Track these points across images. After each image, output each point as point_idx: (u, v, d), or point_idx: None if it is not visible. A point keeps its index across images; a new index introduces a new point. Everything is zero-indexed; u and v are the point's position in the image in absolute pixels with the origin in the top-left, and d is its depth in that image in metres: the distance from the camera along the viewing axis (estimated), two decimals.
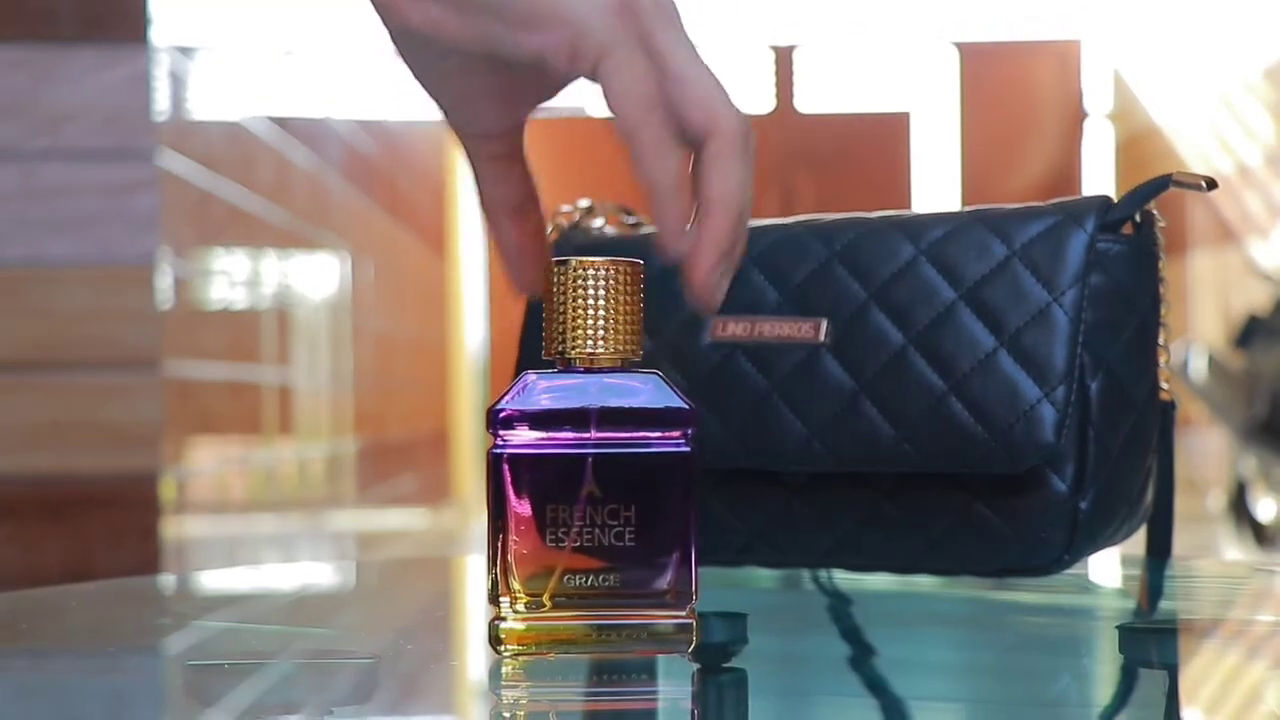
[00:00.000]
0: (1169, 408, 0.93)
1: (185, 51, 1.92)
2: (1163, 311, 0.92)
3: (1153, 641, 0.80)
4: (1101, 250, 0.89)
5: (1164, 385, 0.93)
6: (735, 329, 0.94)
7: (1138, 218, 0.91)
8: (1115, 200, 0.91)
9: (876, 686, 0.74)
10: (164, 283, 1.76)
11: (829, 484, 0.92)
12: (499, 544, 0.69)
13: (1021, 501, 0.89)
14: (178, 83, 1.86)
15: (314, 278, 2.88)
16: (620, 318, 0.70)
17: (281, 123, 2.55)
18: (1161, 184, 0.90)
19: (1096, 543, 0.90)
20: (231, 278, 2.21)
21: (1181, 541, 0.97)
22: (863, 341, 0.91)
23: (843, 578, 0.97)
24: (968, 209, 0.93)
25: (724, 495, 0.94)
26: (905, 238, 0.92)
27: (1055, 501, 0.88)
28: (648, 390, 0.69)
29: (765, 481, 0.94)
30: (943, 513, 0.90)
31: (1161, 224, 0.91)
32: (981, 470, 0.88)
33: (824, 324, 0.92)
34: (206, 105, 2.02)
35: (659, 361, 0.95)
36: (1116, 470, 0.89)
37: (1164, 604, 0.96)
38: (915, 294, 0.91)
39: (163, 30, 1.78)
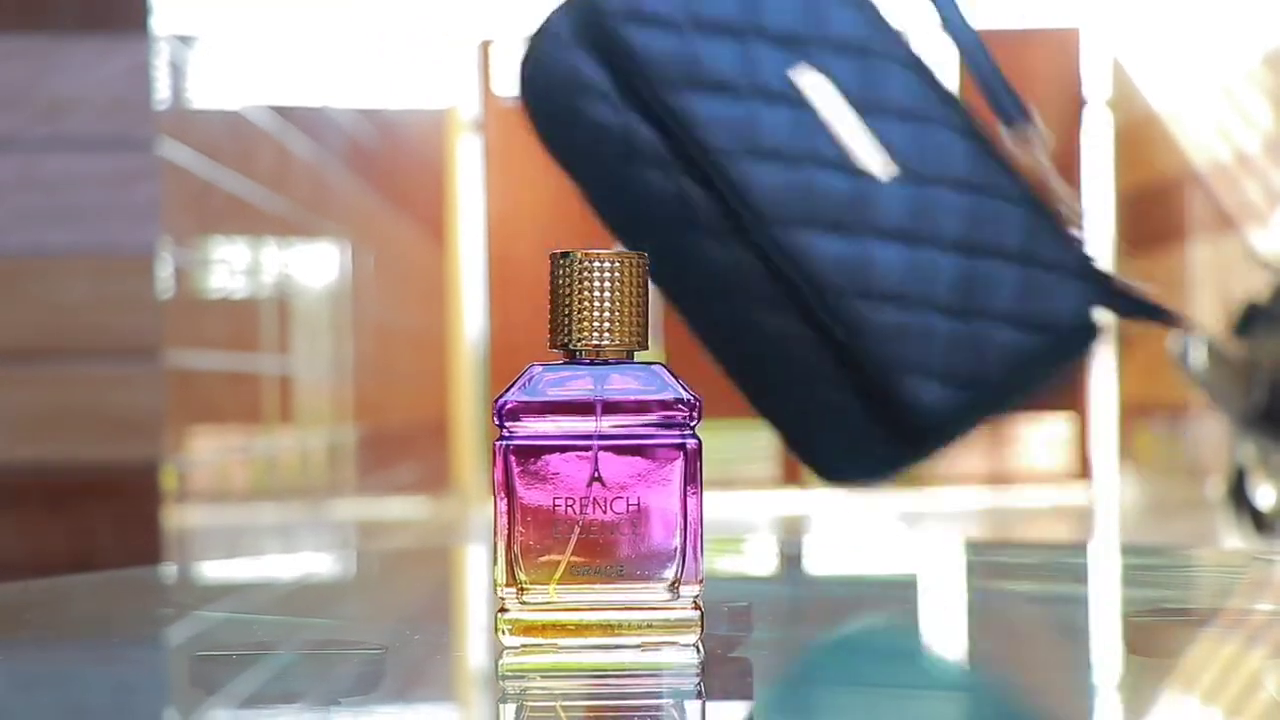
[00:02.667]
0: None
1: (185, 41, 1.92)
2: None
3: (1153, 630, 0.80)
4: None
5: None
6: None
7: None
8: None
9: (879, 676, 0.74)
10: (164, 272, 1.76)
11: None
12: (505, 535, 0.69)
13: None
14: (178, 72, 1.86)
15: (314, 267, 2.88)
16: (625, 309, 0.70)
17: (282, 112, 2.55)
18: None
19: None
20: (232, 267, 2.21)
21: (1181, 529, 0.97)
22: None
23: (836, 572, 0.98)
24: None
25: None
26: None
27: None
28: (652, 381, 0.69)
29: None
30: None
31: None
32: None
33: None
34: (206, 94, 2.02)
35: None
36: None
37: (1165, 593, 0.96)
38: None
39: (162, 19, 1.78)
